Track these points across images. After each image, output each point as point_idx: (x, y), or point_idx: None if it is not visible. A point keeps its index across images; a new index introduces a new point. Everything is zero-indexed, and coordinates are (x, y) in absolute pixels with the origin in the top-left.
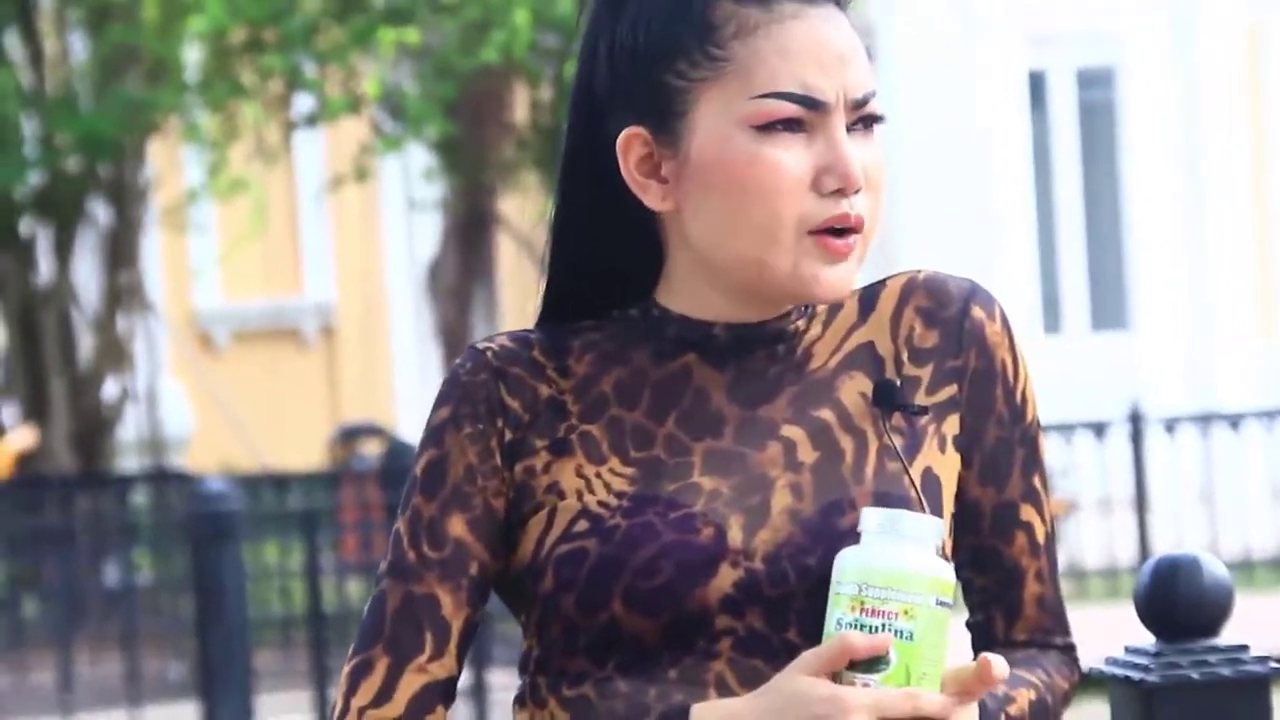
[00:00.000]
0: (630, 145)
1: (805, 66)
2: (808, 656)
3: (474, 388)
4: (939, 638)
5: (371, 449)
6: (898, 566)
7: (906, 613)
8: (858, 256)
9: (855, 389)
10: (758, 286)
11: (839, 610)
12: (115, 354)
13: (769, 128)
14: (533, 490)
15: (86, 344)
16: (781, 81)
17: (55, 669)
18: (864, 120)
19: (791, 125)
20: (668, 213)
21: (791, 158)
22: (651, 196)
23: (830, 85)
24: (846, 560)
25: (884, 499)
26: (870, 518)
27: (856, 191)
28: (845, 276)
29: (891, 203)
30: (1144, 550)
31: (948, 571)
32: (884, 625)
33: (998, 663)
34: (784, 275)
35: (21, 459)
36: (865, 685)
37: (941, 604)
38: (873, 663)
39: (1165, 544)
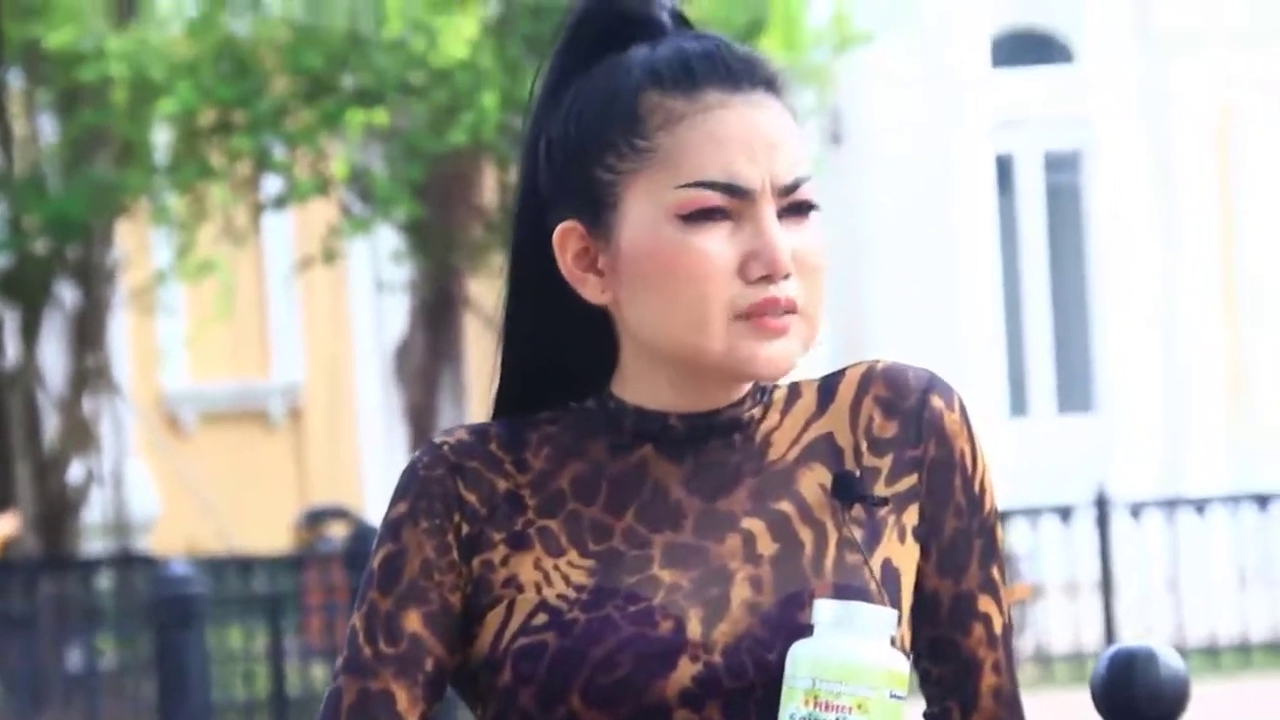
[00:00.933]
0: (566, 240)
1: (730, 154)
2: None
3: (431, 482)
4: None
5: (338, 531)
6: (851, 659)
7: (860, 706)
8: (799, 336)
9: (815, 480)
10: (698, 370)
11: (793, 704)
12: (81, 436)
13: (695, 216)
14: (491, 584)
15: (52, 426)
16: (706, 170)
17: None
18: (796, 206)
19: (717, 214)
20: (609, 304)
21: (717, 245)
22: (590, 290)
23: (756, 172)
24: (799, 652)
25: (844, 591)
26: (823, 610)
27: (786, 277)
28: (783, 353)
29: (859, 285)
30: (1109, 635)
31: (901, 663)
32: (838, 719)
33: None
34: (719, 357)
35: (5, 545)
36: None
37: (895, 697)
38: None
39: (1131, 629)
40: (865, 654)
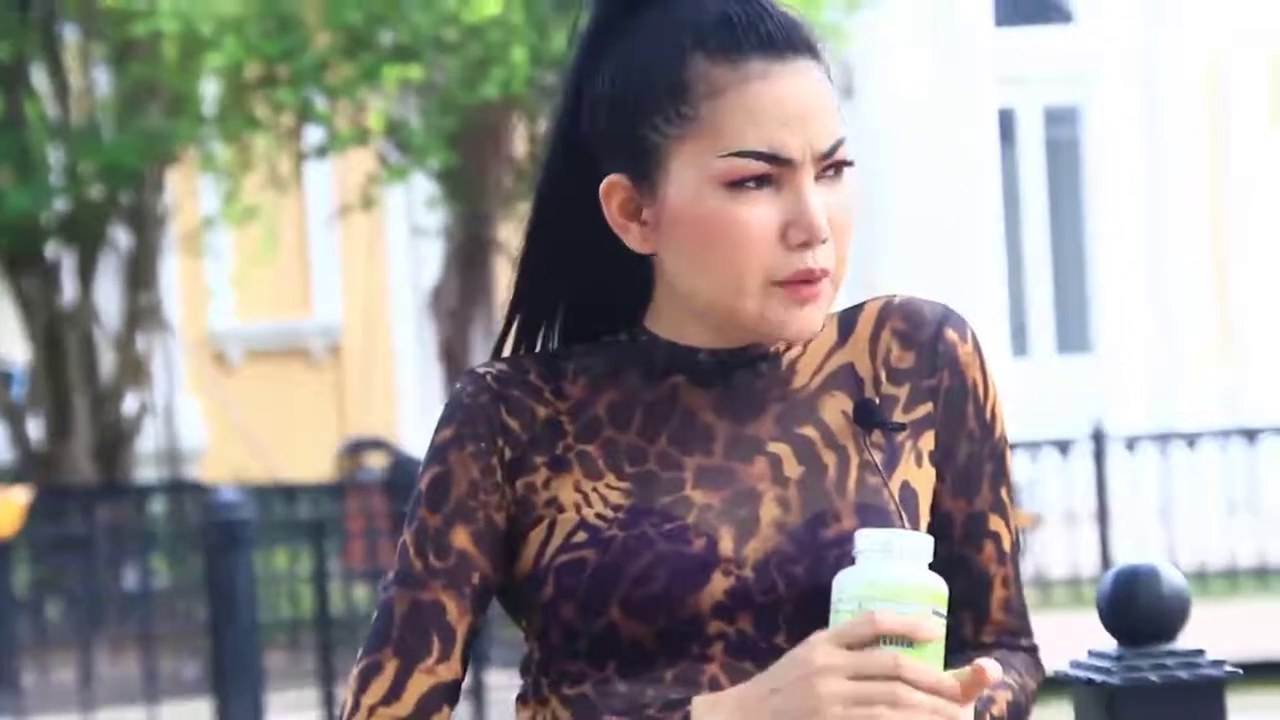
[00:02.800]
0: (612, 191)
1: (772, 125)
2: (824, 632)
3: (476, 409)
4: (937, 646)
5: (376, 462)
6: (895, 581)
7: None
8: (826, 298)
9: (837, 408)
10: (731, 326)
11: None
12: (135, 371)
13: (738, 185)
14: (533, 504)
15: (108, 361)
16: (749, 140)
17: (76, 668)
18: (832, 168)
19: (759, 181)
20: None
21: (759, 214)
22: (632, 238)
23: (796, 141)
24: (845, 579)
25: (865, 511)
26: (865, 539)
27: (823, 242)
28: (812, 319)
29: (870, 233)
30: (1105, 561)
31: (941, 583)
32: (884, 638)
33: (991, 667)
34: (752, 320)
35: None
36: None
37: (937, 614)
38: None
39: (1125, 555)
40: (908, 575)
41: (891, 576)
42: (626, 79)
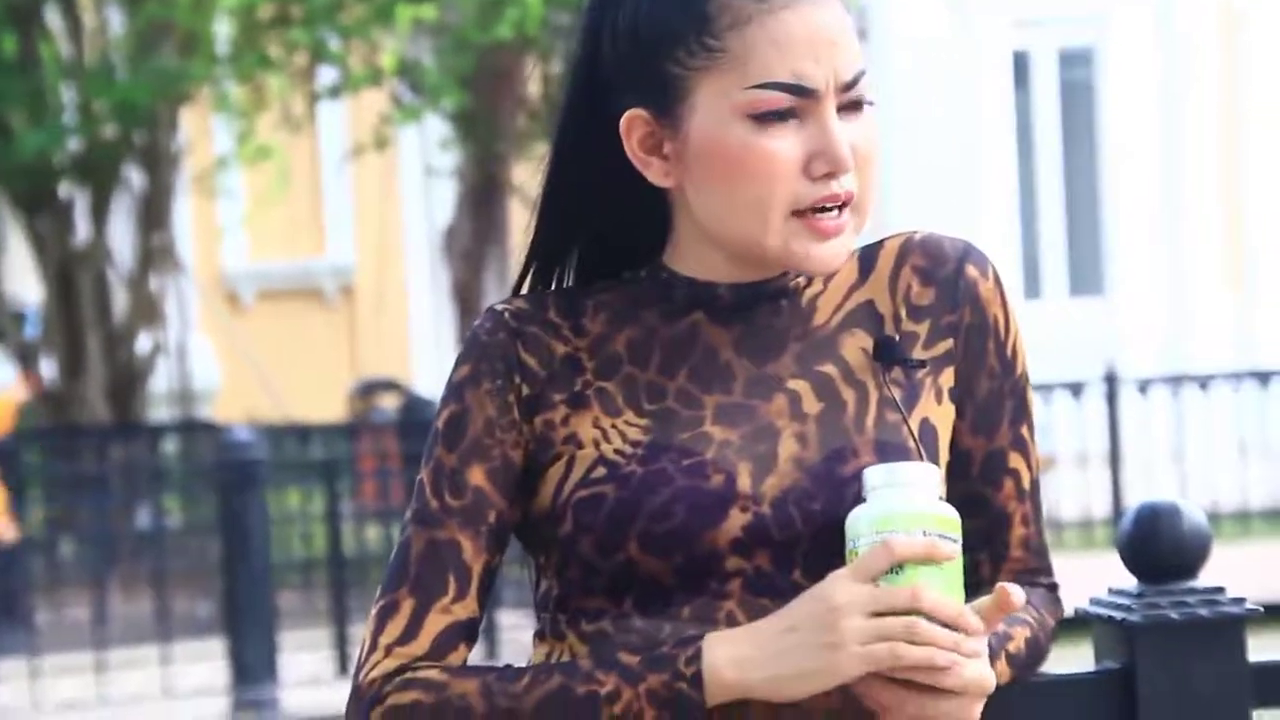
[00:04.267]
0: (633, 125)
1: (797, 55)
2: (844, 569)
3: (493, 347)
4: (955, 568)
5: (389, 402)
6: (897, 509)
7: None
8: (852, 228)
9: (856, 345)
10: (753, 258)
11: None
12: (148, 311)
13: (763, 116)
14: (551, 441)
15: (121, 301)
16: (774, 71)
17: (90, 606)
18: (853, 102)
19: (784, 113)
20: (671, 187)
21: (784, 145)
22: (654, 173)
23: (820, 72)
24: (856, 517)
25: (884, 447)
26: (870, 475)
27: (846, 173)
28: (837, 251)
29: (884, 175)
30: (1117, 503)
31: (944, 508)
32: (901, 565)
33: (1015, 591)
34: (776, 252)
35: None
36: None
37: (949, 539)
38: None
39: (1137, 497)
40: (905, 502)
41: (900, 505)
42: (649, 12)
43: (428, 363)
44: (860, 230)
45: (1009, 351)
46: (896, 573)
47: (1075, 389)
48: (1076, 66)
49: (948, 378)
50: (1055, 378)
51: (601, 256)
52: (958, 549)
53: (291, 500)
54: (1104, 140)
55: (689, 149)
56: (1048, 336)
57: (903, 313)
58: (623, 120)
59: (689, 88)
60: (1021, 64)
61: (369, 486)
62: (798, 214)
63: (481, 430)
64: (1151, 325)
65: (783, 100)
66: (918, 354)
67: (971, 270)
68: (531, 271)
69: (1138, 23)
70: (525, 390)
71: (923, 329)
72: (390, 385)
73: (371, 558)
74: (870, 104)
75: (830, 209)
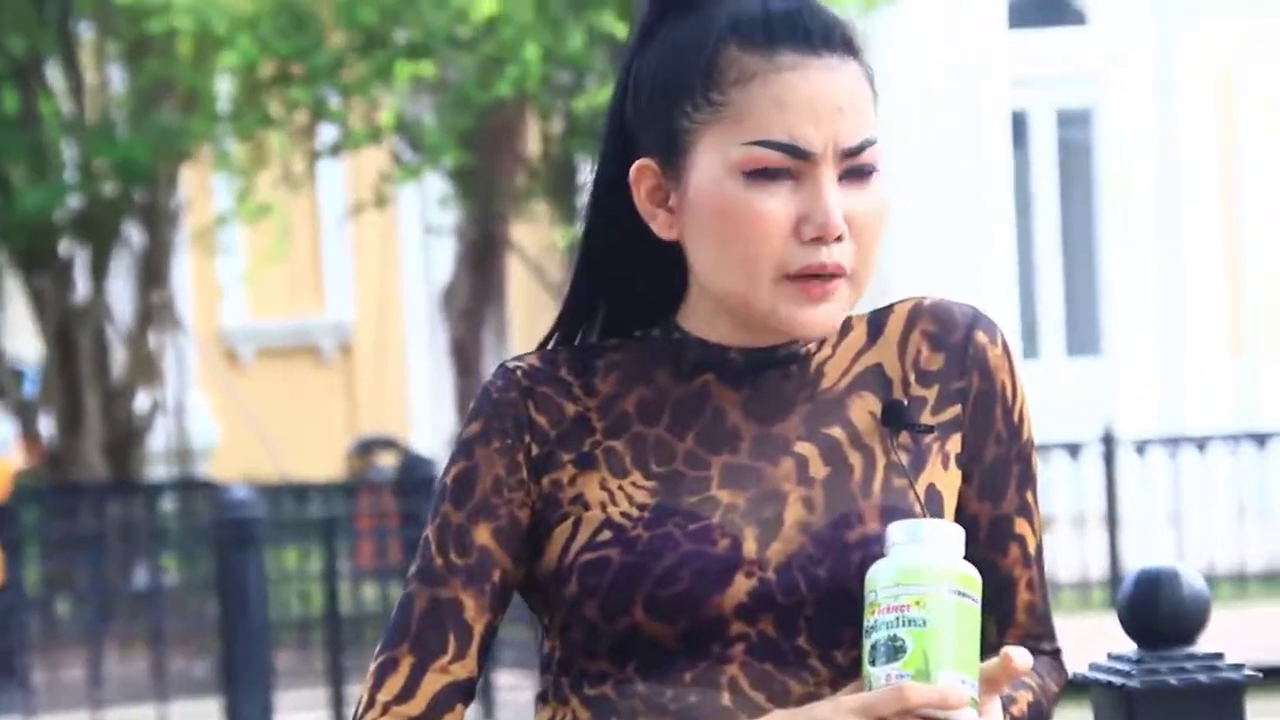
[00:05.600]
0: (642, 175)
1: (797, 117)
2: (852, 698)
3: (504, 405)
4: (962, 625)
5: (387, 460)
6: (912, 564)
7: (918, 603)
8: (844, 298)
9: (865, 408)
10: (752, 320)
11: (865, 620)
12: (146, 368)
13: (757, 174)
14: (559, 501)
15: (120, 358)
16: (772, 130)
17: (86, 665)
18: (857, 170)
19: (778, 173)
20: (676, 240)
21: (775, 205)
22: (659, 225)
23: (820, 136)
24: (875, 571)
25: (890, 513)
26: (894, 531)
27: (838, 239)
28: (826, 317)
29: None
30: (1114, 564)
31: (965, 565)
32: (898, 619)
33: (1020, 654)
34: (763, 313)
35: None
36: (889, 677)
37: (960, 594)
38: (894, 652)
39: (1134, 559)
40: (925, 558)
41: (908, 560)
42: (664, 65)
43: (426, 421)
44: (856, 301)
45: (1016, 418)
46: (912, 629)
47: (1073, 450)
48: (1075, 126)
49: (955, 444)
50: (1052, 438)
51: (629, 311)
52: (977, 608)
53: (289, 559)
54: (1102, 200)
55: (687, 202)
56: (1045, 397)
57: (911, 377)
58: (632, 170)
59: (692, 141)
60: (1020, 124)
61: (367, 545)
62: (788, 277)
63: (490, 489)
64: (1149, 386)
65: (776, 159)
66: (926, 419)
67: (981, 336)
68: (561, 326)
69: (1136, 83)
70: (535, 450)
71: (931, 394)
72: (388, 443)
73: (369, 617)
74: (873, 171)
75: (820, 276)
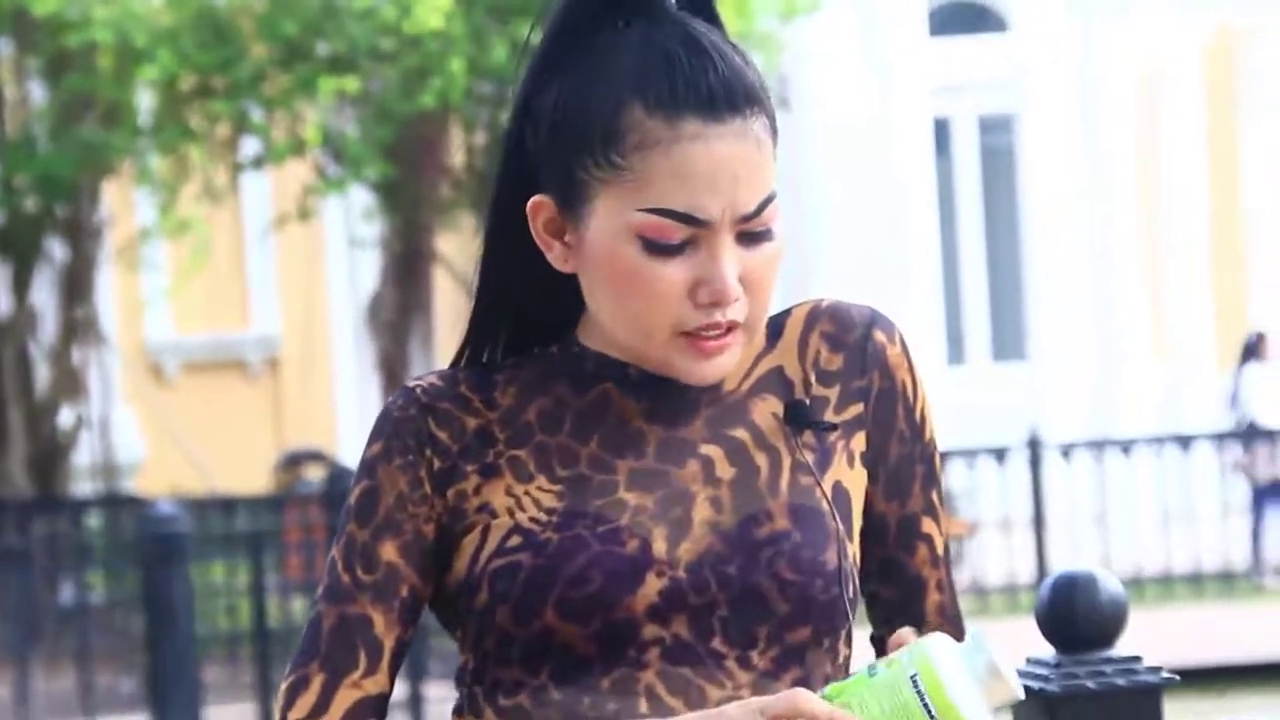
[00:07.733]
0: (539, 209)
1: (695, 188)
2: (756, 700)
3: (404, 423)
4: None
5: (314, 473)
6: (953, 697)
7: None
8: (740, 344)
9: (767, 410)
10: (641, 361)
11: (886, 665)
12: (70, 384)
13: (655, 240)
14: (464, 512)
15: (43, 374)
16: (670, 200)
17: (13, 684)
18: (754, 232)
19: (676, 240)
20: (571, 271)
21: (671, 271)
22: (555, 257)
23: (716, 204)
24: (930, 645)
25: (798, 511)
26: (978, 641)
27: (732, 304)
28: (718, 367)
29: (805, 242)
30: (1042, 568)
31: None
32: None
33: (904, 632)
34: (659, 363)
35: None
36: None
37: None
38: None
39: (1062, 562)
40: (966, 701)
41: (953, 686)
42: (566, 112)
43: (353, 433)
44: (749, 345)
45: (918, 417)
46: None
47: (999, 454)
48: (997, 132)
49: (859, 442)
50: (979, 443)
51: (529, 334)
52: None
53: (216, 573)
54: (1025, 205)
55: (584, 250)
56: (971, 402)
57: (812, 378)
58: (529, 204)
59: (590, 194)
60: (942, 130)
61: (295, 559)
62: (684, 334)
63: (393, 505)
64: (1074, 390)
65: (673, 229)
66: (829, 418)
67: (879, 335)
68: (469, 346)
69: (1058, 88)
70: (437, 464)
71: (833, 393)
72: (316, 456)
73: (297, 631)
74: (769, 237)
75: (715, 332)
